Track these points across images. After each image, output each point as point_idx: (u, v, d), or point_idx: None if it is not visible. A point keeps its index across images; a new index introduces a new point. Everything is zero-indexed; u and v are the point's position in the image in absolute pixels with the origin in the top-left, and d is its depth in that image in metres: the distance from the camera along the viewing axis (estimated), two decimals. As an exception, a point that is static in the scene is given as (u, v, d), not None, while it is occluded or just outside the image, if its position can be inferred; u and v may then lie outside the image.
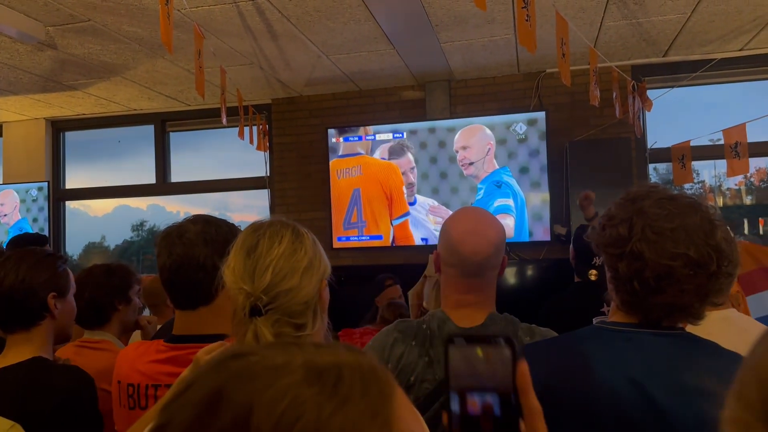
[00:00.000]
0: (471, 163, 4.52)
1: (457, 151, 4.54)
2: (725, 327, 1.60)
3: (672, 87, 4.21)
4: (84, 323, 2.05)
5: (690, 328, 1.12)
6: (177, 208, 5.75)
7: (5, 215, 5.52)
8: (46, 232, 5.35)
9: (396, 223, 4.62)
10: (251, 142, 4.37)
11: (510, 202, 4.39)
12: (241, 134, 4.11)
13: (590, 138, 4.37)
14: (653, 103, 3.89)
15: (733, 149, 3.52)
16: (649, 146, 4.45)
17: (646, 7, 3.40)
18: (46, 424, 1.30)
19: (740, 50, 4.22)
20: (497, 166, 4.47)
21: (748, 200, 5.21)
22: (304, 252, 1.05)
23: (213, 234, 1.34)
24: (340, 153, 4.73)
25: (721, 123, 3.66)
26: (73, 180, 5.77)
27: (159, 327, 2.16)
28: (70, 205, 5.83)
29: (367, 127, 4.70)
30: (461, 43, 3.90)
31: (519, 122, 4.45)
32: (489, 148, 4.48)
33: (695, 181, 4.74)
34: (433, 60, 4.21)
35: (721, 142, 3.67)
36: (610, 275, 1.12)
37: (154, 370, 1.31)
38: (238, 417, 0.41)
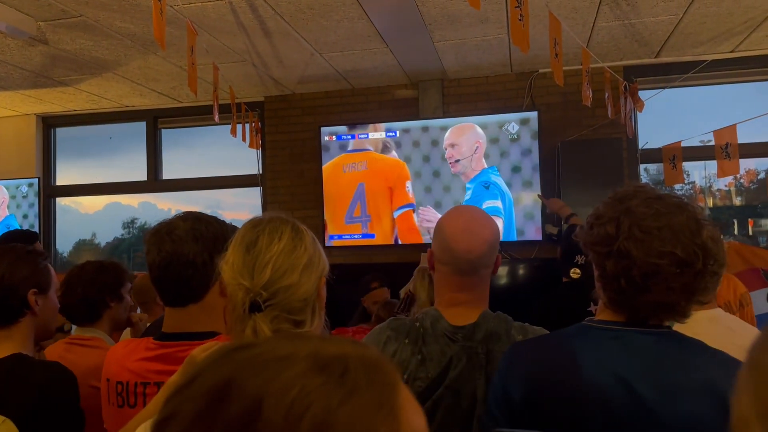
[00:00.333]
0: (458, 161, 4.53)
1: (445, 149, 4.55)
2: (712, 326, 1.62)
3: (663, 88, 4.24)
4: (75, 320, 2.05)
5: (677, 327, 1.13)
6: (168, 206, 5.73)
7: (-6, 211, 5.49)
8: (36, 229, 5.32)
9: (397, 214, 4.60)
10: (243, 139, 4.36)
11: (498, 203, 4.41)
12: (233, 132, 4.10)
13: (582, 138, 4.39)
14: (645, 104, 3.91)
15: (724, 150, 3.55)
16: (640, 147, 4.48)
17: (639, 8, 3.41)
18: (25, 421, 1.29)
19: (731, 52, 4.25)
20: (486, 166, 4.48)
21: (737, 201, 5.25)
22: (303, 249, 1.06)
23: (203, 231, 1.33)
24: (349, 149, 4.70)
25: (712, 124, 3.69)
26: (64, 177, 5.74)
27: (149, 324, 2.16)
28: (61, 202, 5.80)
29: (376, 125, 4.69)
30: (454, 42, 3.91)
31: (511, 122, 4.46)
32: (477, 147, 4.49)
33: (686, 181, 4.77)
34: (426, 59, 4.21)
35: (712, 143, 3.70)
36: (597, 273, 1.13)
37: (144, 368, 1.30)
38: (248, 407, 0.41)
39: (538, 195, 4.21)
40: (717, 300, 2.59)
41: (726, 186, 5.15)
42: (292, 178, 5.01)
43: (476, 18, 3.49)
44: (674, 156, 3.99)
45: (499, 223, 4.38)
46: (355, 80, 4.71)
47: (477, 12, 3.34)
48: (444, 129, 4.57)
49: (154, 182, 5.46)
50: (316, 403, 0.42)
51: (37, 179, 5.43)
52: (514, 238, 4.41)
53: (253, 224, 1.09)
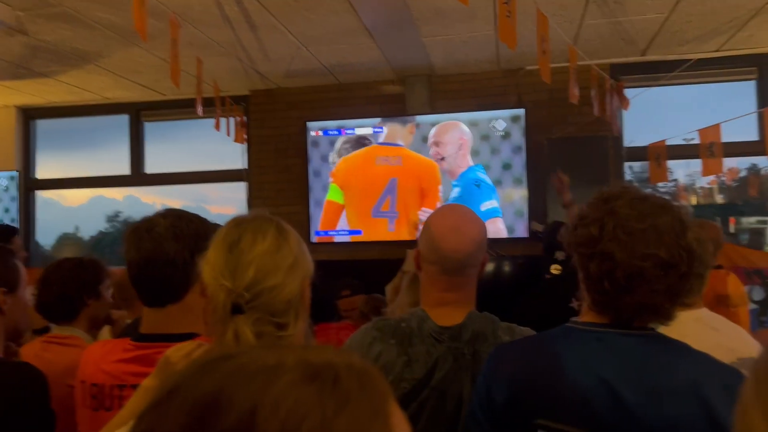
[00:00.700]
0: (443, 159, 4.52)
1: (430, 147, 4.54)
2: (698, 327, 1.63)
3: (649, 86, 4.25)
4: (52, 318, 2.00)
5: (663, 328, 1.12)
6: (153, 199, 5.67)
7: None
8: (16, 222, 5.23)
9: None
10: (228, 133, 4.32)
11: (495, 203, 4.41)
12: (217, 126, 4.06)
13: (568, 135, 4.40)
14: (630, 102, 3.92)
15: (709, 149, 3.57)
16: (625, 144, 4.50)
17: (626, 6, 3.42)
18: None
19: (716, 51, 4.27)
20: (471, 163, 4.47)
21: (720, 199, 5.30)
22: (288, 249, 1.03)
23: (184, 229, 1.30)
24: (380, 140, 4.64)
25: (697, 123, 3.71)
26: (46, 169, 5.65)
27: (129, 322, 2.12)
28: (44, 194, 5.71)
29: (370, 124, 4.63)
30: (442, 38, 3.89)
31: (498, 119, 4.46)
32: (461, 144, 4.48)
33: (669, 179, 4.81)
34: (413, 54, 4.19)
35: (695, 141, 3.72)
36: (581, 275, 1.12)
37: (120, 370, 1.27)
38: (242, 419, 0.40)
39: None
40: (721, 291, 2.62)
41: (709, 184, 5.19)
42: (277, 174, 4.97)
43: (464, 14, 3.47)
44: (659, 154, 4.01)
45: (500, 223, 4.38)
46: (341, 75, 4.67)
47: (465, 8, 3.32)
48: (433, 125, 4.56)
49: (137, 176, 5.40)
50: (311, 414, 0.40)
51: (16, 172, 5.33)
52: (505, 234, 4.41)
53: (236, 223, 1.05)
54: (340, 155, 4.70)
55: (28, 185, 5.52)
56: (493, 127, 4.46)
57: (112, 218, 6.07)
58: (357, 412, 0.42)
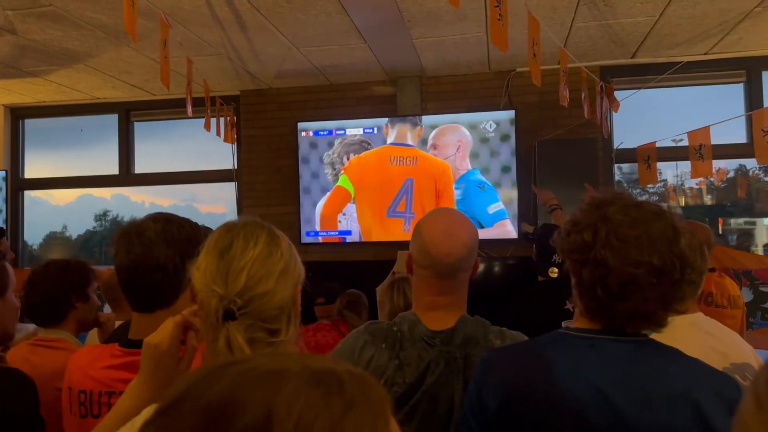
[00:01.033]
0: None
1: (429, 149, 4.54)
2: (692, 331, 1.63)
3: (639, 88, 4.28)
4: (40, 321, 1.98)
5: (657, 333, 1.12)
6: (142, 198, 5.62)
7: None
8: (3, 222, 5.18)
9: None
10: (218, 134, 4.29)
11: (501, 205, 4.40)
12: (207, 126, 4.03)
13: (558, 137, 4.41)
14: (620, 104, 3.94)
15: (698, 151, 3.59)
16: (615, 147, 4.52)
17: (616, 9, 3.43)
18: None
19: (705, 54, 4.30)
20: (470, 166, 4.48)
21: (708, 200, 5.34)
22: (280, 255, 1.02)
23: (175, 233, 1.28)
24: (390, 140, 4.61)
25: (686, 125, 3.74)
26: (35, 169, 5.59)
27: (118, 324, 2.10)
28: (32, 193, 5.65)
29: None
30: (433, 40, 3.89)
31: (489, 120, 4.46)
32: (459, 146, 4.49)
33: (658, 180, 4.84)
34: (404, 56, 4.19)
35: (684, 143, 3.74)
36: (574, 281, 1.12)
37: (109, 377, 1.25)
38: (258, 421, 0.41)
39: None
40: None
41: (697, 185, 5.23)
42: (268, 174, 4.95)
43: (455, 16, 3.47)
44: (649, 156, 4.03)
45: (509, 225, 4.38)
46: (332, 76, 4.66)
47: (456, 10, 3.33)
48: (433, 127, 4.56)
49: (126, 176, 5.36)
50: (322, 414, 0.42)
51: (4, 171, 5.28)
52: (515, 235, 4.41)
53: (227, 228, 1.04)
54: (347, 154, 4.67)
55: (17, 185, 5.47)
56: (484, 128, 4.47)
57: (100, 217, 6.01)
58: (362, 415, 0.44)
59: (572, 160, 4.20)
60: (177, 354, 1.03)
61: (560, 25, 3.65)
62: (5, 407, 1.35)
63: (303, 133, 4.71)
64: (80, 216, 5.90)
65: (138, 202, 5.67)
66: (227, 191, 5.21)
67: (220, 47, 3.92)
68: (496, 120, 4.45)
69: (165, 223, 1.30)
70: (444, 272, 1.37)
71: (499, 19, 2.37)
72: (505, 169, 4.43)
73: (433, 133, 4.54)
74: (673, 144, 4.26)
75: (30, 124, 5.59)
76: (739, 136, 4.40)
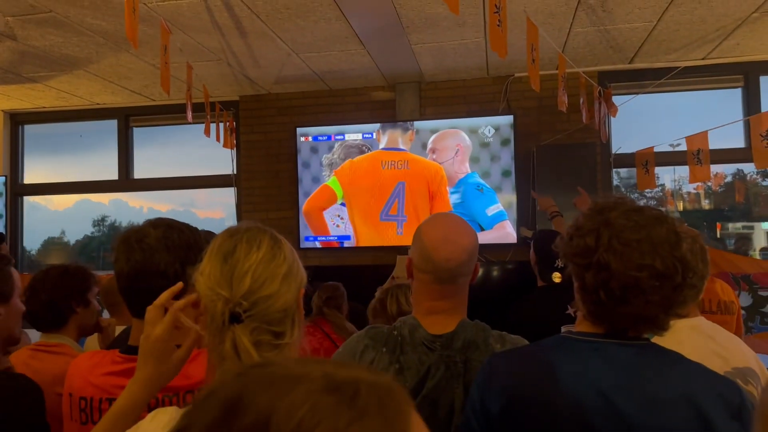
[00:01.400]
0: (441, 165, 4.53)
1: (428, 153, 4.55)
2: (693, 335, 1.64)
3: (637, 93, 4.29)
4: (40, 326, 1.98)
5: (659, 337, 1.13)
6: (140, 203, 5.62)
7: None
8: (3, 228, 5.17)
9: None
10: (218, 139, 4.30)
11: (500, 207, 4.41)
12: (207, 131, 4.04)
13: (557, 142, 4.42)
14: (618, 109, 3.95)
15: (696, 156, 3.60)
16: (613, 151, 4.53)
17: (614, 15, 3.45)
18: None
19: (703, 59, 4.32)
20: (469, 170, 4.49)
21: (706, 204, 5.35)
22: (283, 258, 1.02)
23: (175, 239, 1.28)
24: (382, 145, 4.63)
25: (683, 130, 3.74)
26: (34, 174, 5.59)
27: (120, 330, 2.10)
28: (30, 199, 5.65)
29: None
30: (432, 45, 3.91)
31: (488, 125, 4.48)
32: (458, 150, 4.50)
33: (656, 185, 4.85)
34: (403, 61, 4.20)
35: (681, 147, 3.75)
36: (576, 285, 1.13)
37: (109, 383, 1.25)
38: (257, 421, 0.42)
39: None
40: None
41: (695, 189, 5.23)
42: (267, 179, 4.96)
43: (454, 22, 3.49)
44: (647, 161, 4.04)
45: (509, 227, 4.39)
46: (331, 81, 4.67)
47: (455, 16, 3.34)
48: (433, 132, 4.58)
49: (125, 182, 5.36)
50: (324, 422, 0.42)
51: (4, 177, 5.28)
52: (514, 239, 4.42)
53: (230, 233, 1.05)
54: (340, 159, 4.68)
55: (16, 190, 5.46)
56: (483, 133, 4.49)
57: (98, 222, 6.00)
58: (371, 426, 0.43)
59: (571, 164, 4.21)
60: (169, 340, 1.05)
61: (558, 31, 3.67)
62: (12, 413, 1.35)
63: (302, 139, 4.72)
64: (79, 221, 5.89)
65: (136, 208, 5.67)
66: (225, 196, 5.21)
67: (219, 53, 3.93)
68: (494, 125, 4.46)
69: (165, 229, 1.30)
70: (444, 277, 1.37)
71: (498, 25, 2.38)
72: (506, 174, 4.44)
73: (433, 137, 4.56)
74: (671, 149, 4.27)
75: (29, 130, 5.60)
76: (737, 141, 4.42)
